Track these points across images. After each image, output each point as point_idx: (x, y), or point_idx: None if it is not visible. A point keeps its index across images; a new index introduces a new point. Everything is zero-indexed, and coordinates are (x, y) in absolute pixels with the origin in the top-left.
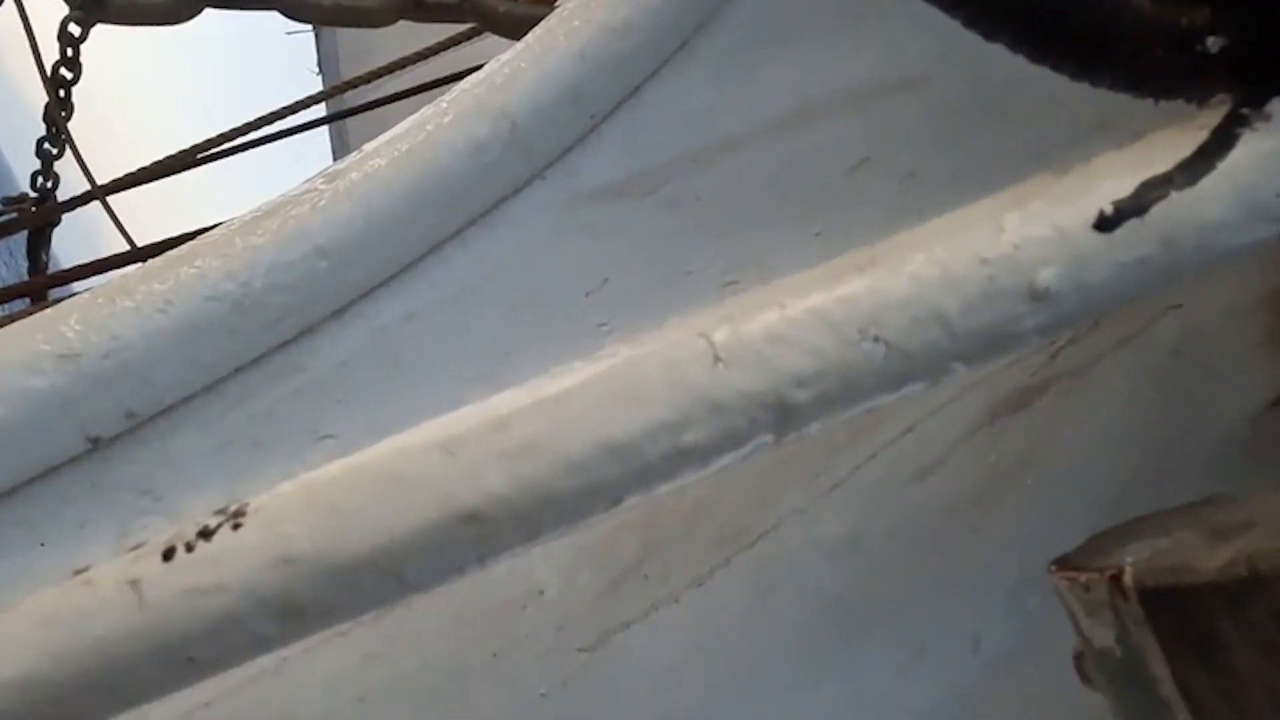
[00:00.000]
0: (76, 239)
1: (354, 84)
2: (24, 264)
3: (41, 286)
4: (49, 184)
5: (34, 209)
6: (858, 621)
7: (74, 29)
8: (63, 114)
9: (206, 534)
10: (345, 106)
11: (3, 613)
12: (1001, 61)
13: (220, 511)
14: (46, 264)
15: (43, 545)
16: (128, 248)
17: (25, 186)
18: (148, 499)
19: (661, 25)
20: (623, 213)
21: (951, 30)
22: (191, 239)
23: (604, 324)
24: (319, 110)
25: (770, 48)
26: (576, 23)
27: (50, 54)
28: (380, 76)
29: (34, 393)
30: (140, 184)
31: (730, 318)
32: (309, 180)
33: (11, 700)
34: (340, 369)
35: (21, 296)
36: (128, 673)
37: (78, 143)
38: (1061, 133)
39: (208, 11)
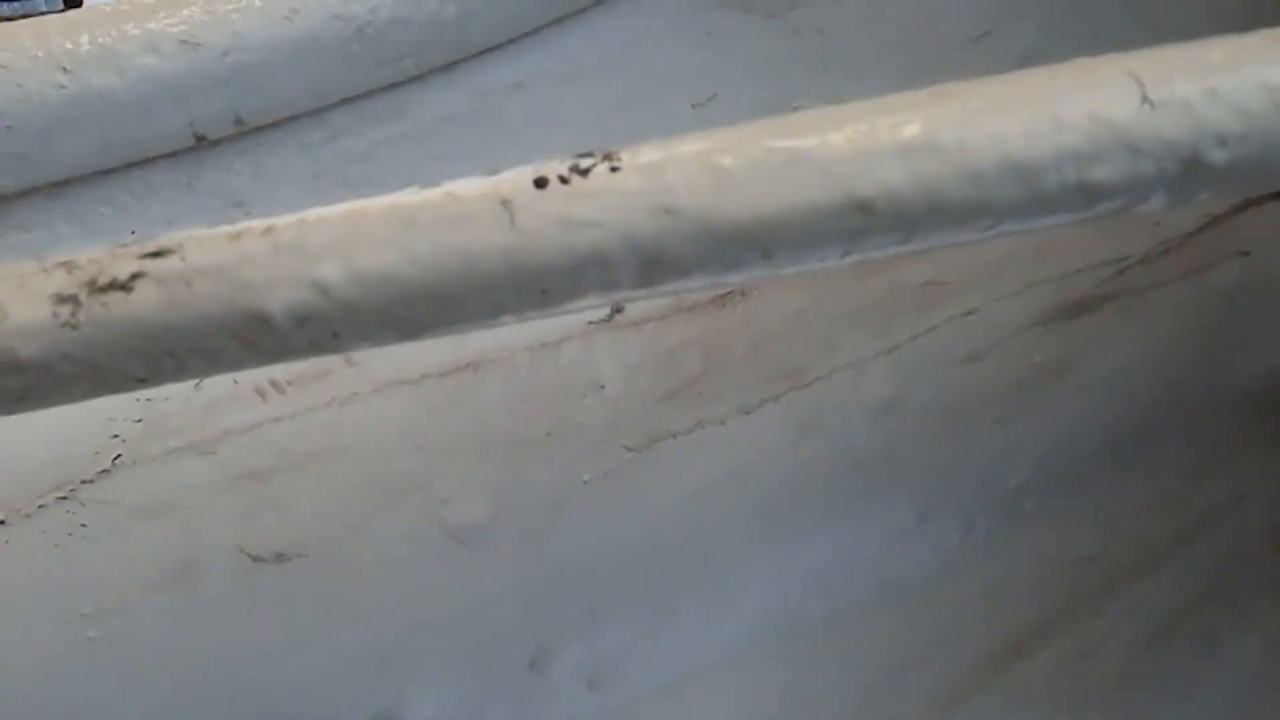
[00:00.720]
0: None
1: None
2: None
3: None
4: None
5: None
6: (876, 481)
7: None
8: None
9: (582, 171)
10: None
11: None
12: None
13: (589, 154)
14: None
15: (132, 233)
16: None
17: None
18: (238, 211)
19: None
20: (747, 28)
21: None
22: None
23: None
24: None
25: None
26: None
27: None
28: None
29: (151, 72)
30: None
31: (1161, 62)
32: None
33: (367, 291)
34: (441, 124)
35: None
36: (483, 290)
37: None
38: (1145, 25)
39: None
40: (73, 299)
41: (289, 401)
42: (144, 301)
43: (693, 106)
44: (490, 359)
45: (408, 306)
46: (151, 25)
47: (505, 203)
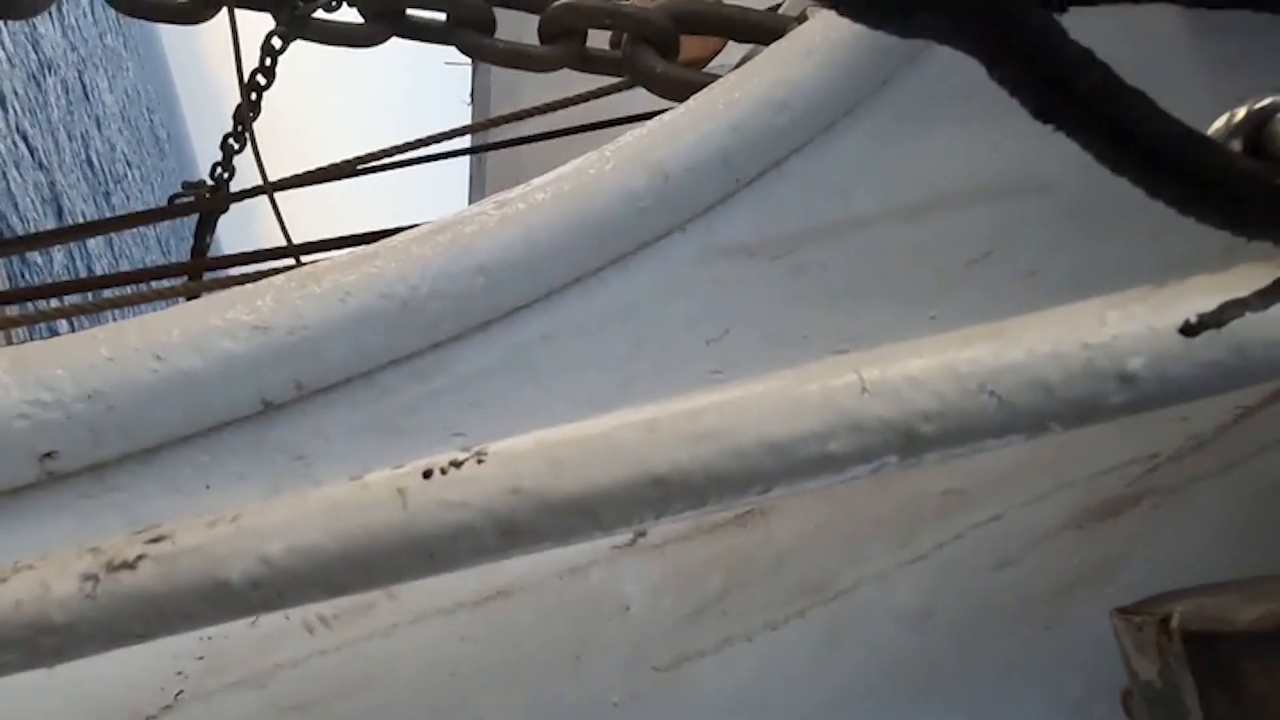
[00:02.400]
0: (234, 232)
1: (501, 121)
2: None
3: (201, 267)
4: (225, 175)
5: (208, 195)
6: (917, 694)
7: (275, 42)
8: (250, 115)
9: (457, 464)
10: (490, 139)
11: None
12: (1125, 183)
13: (467, 450)
14: (208, 247)
15: (207, 488)
16: (283, 242)
17: (204, 174)
18: (299, 463)
19: (815, 106)
20: (752, 271)
21: None
22: (343, 241)
23: (718, 371)
24: (464, 139)
25: (911, 138)
26: (736, 94)
27: (250, 61)
28: (527, 117)
29: (228, 354)
30: (304, 185)
31: (878, 360)
32: (480, 204)
33: (299, 562)
34: (478, 376)
35: (182, 275)
36: (385, 557)
37: (256, 142)
38: (1167, 251)
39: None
40: (94, 577)
41: (335, 635)
42: (144, 577)
43: (706, 343)
44: (520, 586)
45: (329, 572)
46: (230, 315)
47: (401, 491)
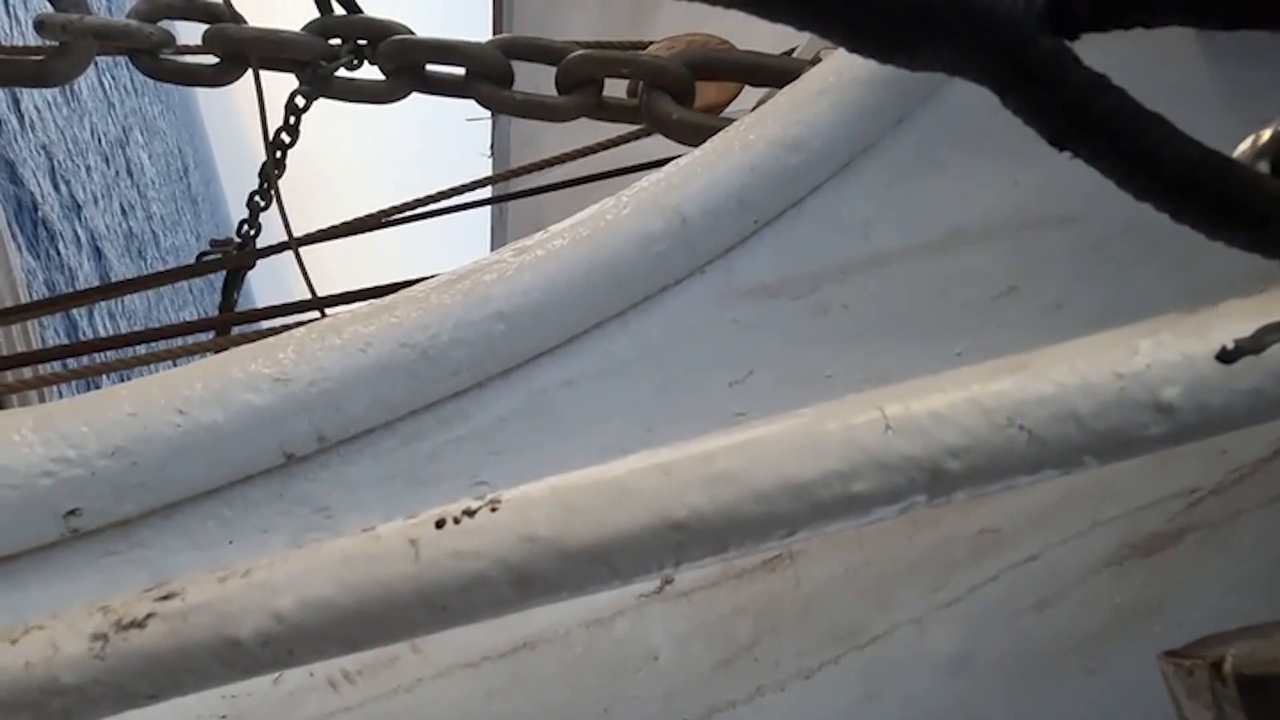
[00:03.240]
0: (265, 284)
1: (522, 171)
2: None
3: (228, 322)
4: (252, 232)
5: (235, 252)
6: None
7: (299, 101)
8: (275, 172)
9: (470, 513)
10: (510, 190)
11: (239, 576)
12: (1151, 211)
13: (480, 498)
14: (236, 302)
15: (230, 543)
16: (308, 295)
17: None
18: (321, 515)
19: (829, 145)
20: (773, 312)
21: None
22: (366, 293)
23: (742, 413)
24: (485, 189)
25: (929, 174)
26: (751, 136)
27: (275, 119)
28: (546, 167)
29: (249, 407)
30: (329, 239)
31: (901, 396)
32: (499, 251)
33: (310, 617)
34: (500, 423)
35: (210, 330)
36: (397, 610)
37: (281, 199)
38: (1198, 279)
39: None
40: (104, 636)
41: (358, 690)
42: (153, 636)
43: (730, 385)
44: (546, 637)
45: (341, 627)
46: (252, 368)
47: (413, 541)
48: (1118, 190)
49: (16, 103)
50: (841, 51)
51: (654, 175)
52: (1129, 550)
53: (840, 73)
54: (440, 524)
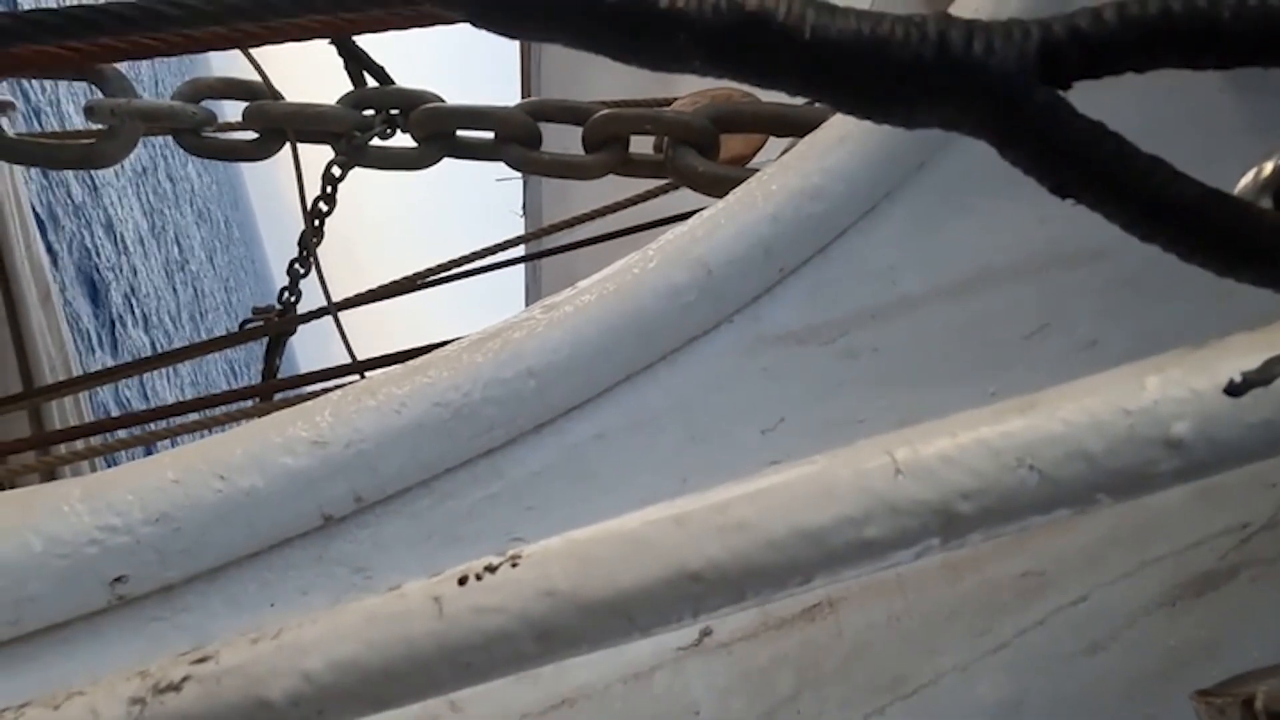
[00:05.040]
0: (308, 346)
1: (554, 229)
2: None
3: (271, 389)
4: (293, 298)
5: (277, 319)
6: None
7: (335, 171)
8: (314, 240)
9: (492, 569)
10: (542, 247)
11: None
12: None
13: (502, 554)
14: (279, 368)
15: (272, 606)
16: (348, 360)
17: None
18: (360, 576)
19: (851, 191)
20: (802, 358)
21: None
22: (405, 355)
23: (776, 461)
24: (519, 248)
25: (954, 216)
26: (774, 186)
27: (313, 189)
28: (577, 224)
29: (288, 470)
30: (367, 303)
31: (909, 440)
32: (529, 309)
33: (338, 677)
34: (534, 479)
35: (253, 396)
36: (422, 668)
37: (320, 266)
38: (1236, 313)
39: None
40: (141, 700)
41: None
42: (188, 699)
43: (762, 433)
44: (585, 693)
45: (368, 685)
46: (290, 431)
47: (437, 599)
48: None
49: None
50: None
51: (679, 228)
52: (1180, 590)
53: (860, 120)
54: (463, 581)
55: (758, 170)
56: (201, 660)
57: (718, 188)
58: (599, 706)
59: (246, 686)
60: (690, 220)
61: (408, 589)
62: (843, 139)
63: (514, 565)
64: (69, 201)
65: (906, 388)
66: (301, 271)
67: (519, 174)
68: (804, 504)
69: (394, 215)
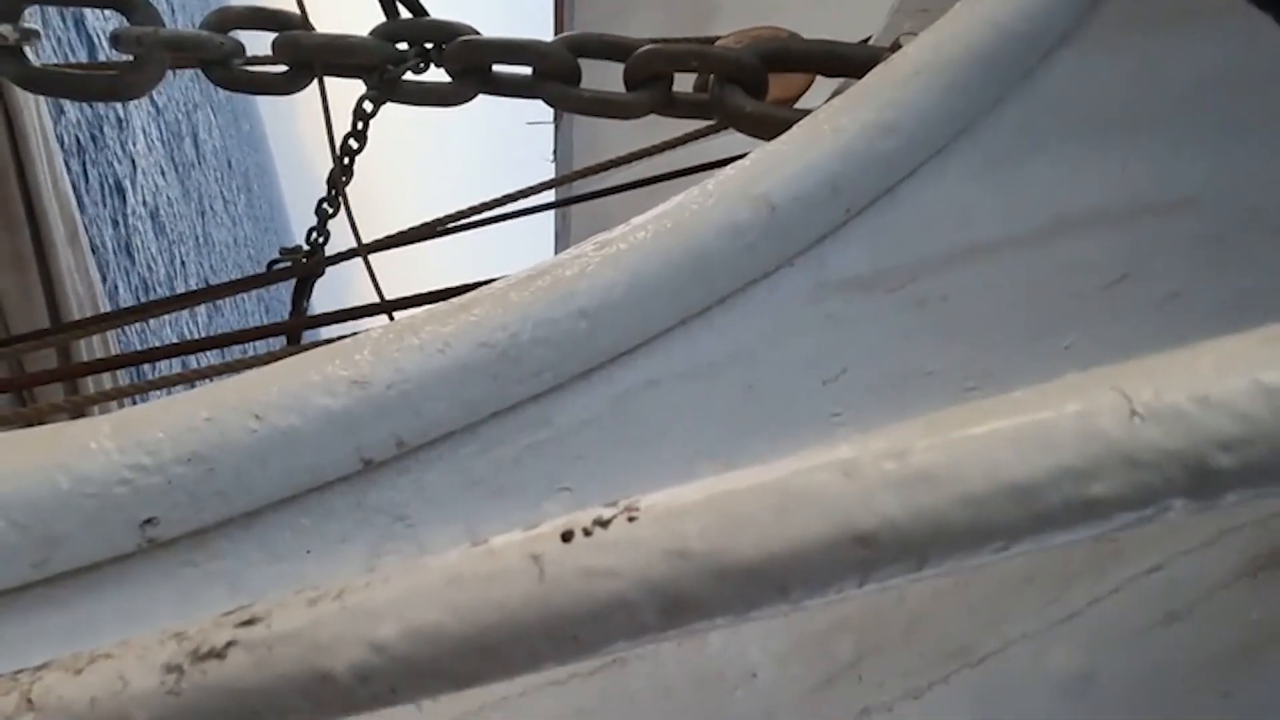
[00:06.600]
0: (329, 293)
1: (587, 173)
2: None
3: (299, 327)
4: (321, 240)
5: (304, 260)
6: None
7: (367, 106)
8: (344, 179)
9: (603, 523)
10: (573, 193)
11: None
12: (1275, 189)
13: (613, 504)
14: (305, 310)
15: (309, 553)
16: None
17: (298, 238)
18: (401, 524)
19: (925, 128)
20: (868, 306)
21: (1224, 152)
22: (434, 296)
23: (837, 414)
24: (549, 194)
25: (1032, 159)
26: (843, 119)
27: (341, 126)
28: (610, 168)
29: (326, 411)
30: (396, 246)
31: (1148, 375)
32: (581, 245)
33: (417, 648)
34: (582, 427)
35: (281, 334)
36: (520, 639)
37: (350, 205)
38: None
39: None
40: (178, 668)
41: (443, 708)
42: (233, 668)
43: (823, 383)
44: (637, 653)
45: (454, 659)
46: (328, 370)
47: (536, 557)
48: (1237, 174)
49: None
50: (935, 30)
51: (739, 163)
52: (1263, 560)
53: (936, 50)
54: (567, 536)
55: (808, 112)
56: (249, 623)
57: (765, 129)
58: (651, 668)
59: (304, 656)
60: (752, 154)
61: (498, 546)
62: (918, 70)
63: (631, 519)
64: (100, 136)
65: (977, 338)
66: (330, 211)
67: (550, 118)
68: (1011, 452)
69: (421, 163)
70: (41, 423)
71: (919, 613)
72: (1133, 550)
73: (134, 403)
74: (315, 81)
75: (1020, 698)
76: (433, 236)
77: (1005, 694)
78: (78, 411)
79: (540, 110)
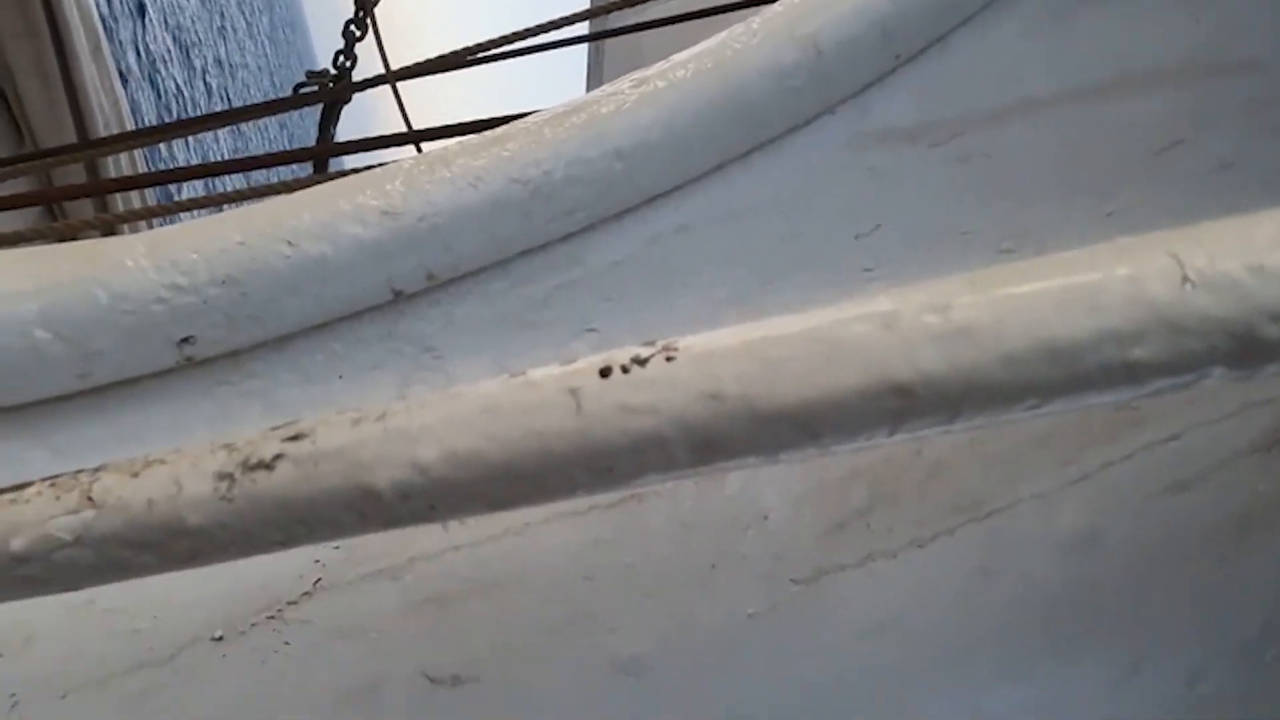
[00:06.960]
0: (353, 122)
1: (622, 4)
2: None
3: (325, 153)
4: (348, 63)
5: (332, 85)
6: (1075, 626)
7: None
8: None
9: (641, 361)
10: (607, 27)
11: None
12: None
13: (651, 343)
14: (332, 137)
15: (340, 378)
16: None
17: (322, 62)
18: (429, 355)
19: None
20: (909, 159)
21: None
22: (464, 128)
23: (869, 269)
24: (583, 26)
25: (1092, 9)
26: None
27: None
28: (645, 0)
29: (357, 240)
30: (425, 74)
31: (1200, 241)
32: (617, 82)
33: (456, 471)
34: (613, 268)
35: (307, 159)
36: (555, 469)
37: (378, 27)
38: None
39: None
40: (229, 476)
41: (468, 530)
42: (282, 479)
43: (855, 238)
44: (655, 490)
45: (492, 483)
46: (360, 199)
47: (574, 391)
48: None
49: None
50: None
51: (786, 1)
52: (1277, 436)
53: None
54: (605, 373)
55: None
56: (295, 438)
57: None
58: (669, 505)
59: (349, 472)
60: None
61: (537, 378)
62: None
63: (669, 360)
64: None
65: (1018, 199)
66: (357, 34)
67: None
68: (1054, 312)
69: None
70: (74, 238)
71: (935, 465)
72: (1153, 418)
73: (163, 224)
74: None
75: (1023, 553)
76: (462, 66)
77: (1009, 549)
78: (108, 229)
79: None
